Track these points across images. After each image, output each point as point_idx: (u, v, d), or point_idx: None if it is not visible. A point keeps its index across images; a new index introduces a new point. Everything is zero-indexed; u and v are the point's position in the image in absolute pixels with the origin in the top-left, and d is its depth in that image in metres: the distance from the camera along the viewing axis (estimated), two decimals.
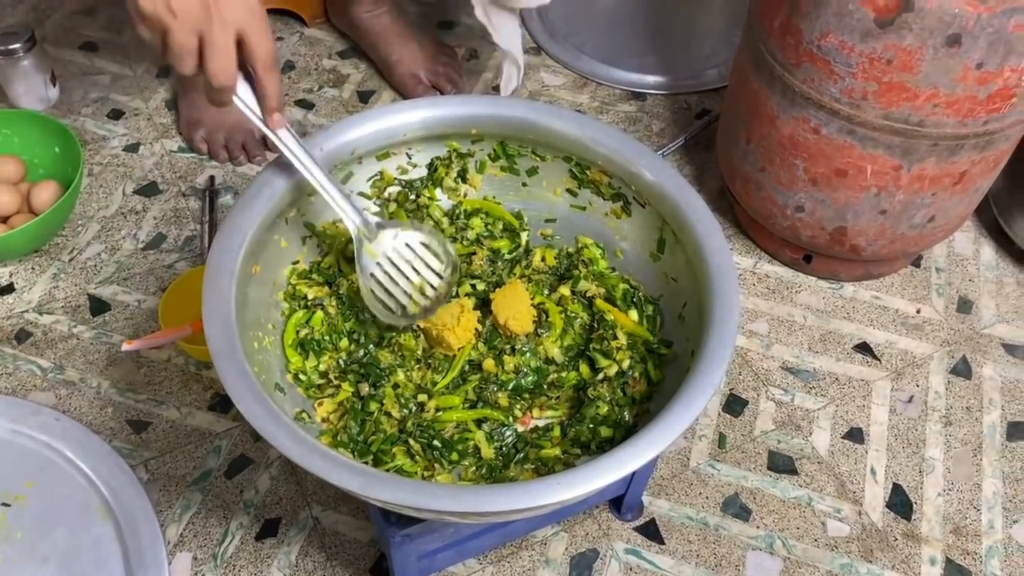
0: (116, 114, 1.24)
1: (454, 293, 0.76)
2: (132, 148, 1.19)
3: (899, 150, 0.89)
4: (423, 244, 0.72)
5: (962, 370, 1.01)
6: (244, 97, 0.65)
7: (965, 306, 1.08)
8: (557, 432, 0.72)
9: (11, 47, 1.14)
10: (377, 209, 0.80)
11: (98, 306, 1.01)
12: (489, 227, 0.83)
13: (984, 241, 1.15)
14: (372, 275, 0.71)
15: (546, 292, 0.79)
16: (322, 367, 0.73)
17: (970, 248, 1.14)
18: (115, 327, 0.99)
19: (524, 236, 0.83)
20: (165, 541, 0.81)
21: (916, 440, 0.95)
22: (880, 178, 0.93)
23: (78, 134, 1.18)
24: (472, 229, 0.82)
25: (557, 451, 0.70)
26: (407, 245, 0.72)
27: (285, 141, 0.67)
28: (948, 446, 0.94)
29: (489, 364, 0.74)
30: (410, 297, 0.71)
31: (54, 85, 1.22)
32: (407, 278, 0.71)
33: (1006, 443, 0.95)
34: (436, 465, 0.69)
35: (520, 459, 0.70)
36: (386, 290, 0.71)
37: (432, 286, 0.72)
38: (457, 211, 0.82)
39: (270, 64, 0.63)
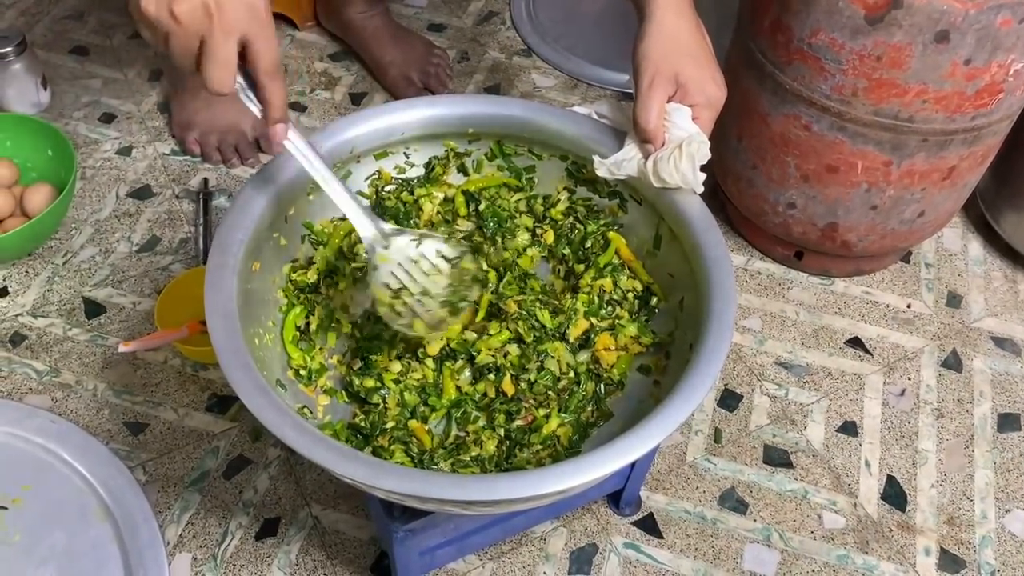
0: (108, 118, 1.23)
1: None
2: (125, 151, 1.19)
3: (889, 146, 0.91)
4: (438, 252, 0.68)
5: (953, 363, 1.02)
6: (252, 100, 0.63)
7: (954, 300, 1.09)
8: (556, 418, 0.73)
9: (2, 51, 1.14)
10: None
11: (93, 309, 1.01)
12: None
13: (972, 237, 1.17)
14: (386, 284, 0.67)
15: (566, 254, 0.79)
16: (322, 360, 0.74)
17: (958, 243, 1.16)
18: (110, 329, 0.99)
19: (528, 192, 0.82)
20: (164, 542, 0.81)
21: (909, 433, 0.96)
22: (870, 174, 0.94)
23: (70, 138, 1.18)
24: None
25: (554, 424, 0.70)
26: (423, 256, 0.68)
27: (291, 149, 0.64)
28: (940, 438, 0.96)
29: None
30: (421, 303, 0.68)
31: (45, 89, 1.22)
32: (417, 283, 0.68)
33: (997, 434, 0.96)
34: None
35: (523, 445, 0.70)
36: (399, 297, 0.67)
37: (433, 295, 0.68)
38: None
39: (272, 72, 0.61)
